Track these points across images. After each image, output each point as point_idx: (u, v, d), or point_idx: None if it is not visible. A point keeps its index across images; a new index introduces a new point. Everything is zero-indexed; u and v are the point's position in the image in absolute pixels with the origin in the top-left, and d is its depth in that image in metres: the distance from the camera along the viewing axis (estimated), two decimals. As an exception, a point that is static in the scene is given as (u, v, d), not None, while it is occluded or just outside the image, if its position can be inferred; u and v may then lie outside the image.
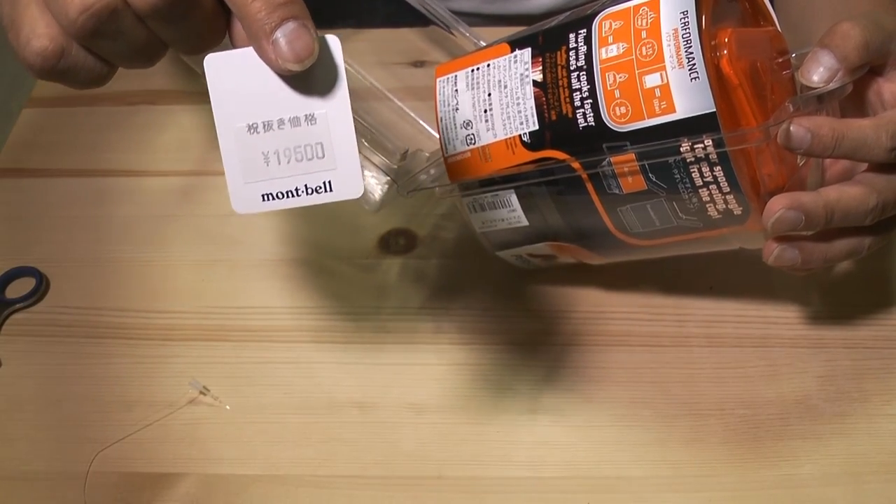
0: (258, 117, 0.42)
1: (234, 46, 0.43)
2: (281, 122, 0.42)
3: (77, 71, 0.42)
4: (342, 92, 0.42)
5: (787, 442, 0.61)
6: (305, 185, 0.43)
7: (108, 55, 0.43)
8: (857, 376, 0.64)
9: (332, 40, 0.42)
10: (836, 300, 0.69)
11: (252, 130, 0.42)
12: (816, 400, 0.63)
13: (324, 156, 0.42)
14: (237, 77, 0.42)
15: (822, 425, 0.62)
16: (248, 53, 0.42)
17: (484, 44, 0.70)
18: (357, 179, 0.42)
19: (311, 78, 0.42)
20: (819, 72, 0.54)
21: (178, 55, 0.82)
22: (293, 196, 0.43)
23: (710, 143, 0.51)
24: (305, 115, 0.42)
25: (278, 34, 0.40)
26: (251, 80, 0.42)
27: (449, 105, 0.61)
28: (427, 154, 0.66)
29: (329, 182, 0.43)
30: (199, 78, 0.46)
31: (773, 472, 0.60)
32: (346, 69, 0.42)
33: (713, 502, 0.59)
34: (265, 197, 0.43)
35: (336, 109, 0.42)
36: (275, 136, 0.42)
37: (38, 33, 0.41)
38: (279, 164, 0.42)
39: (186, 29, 0.42)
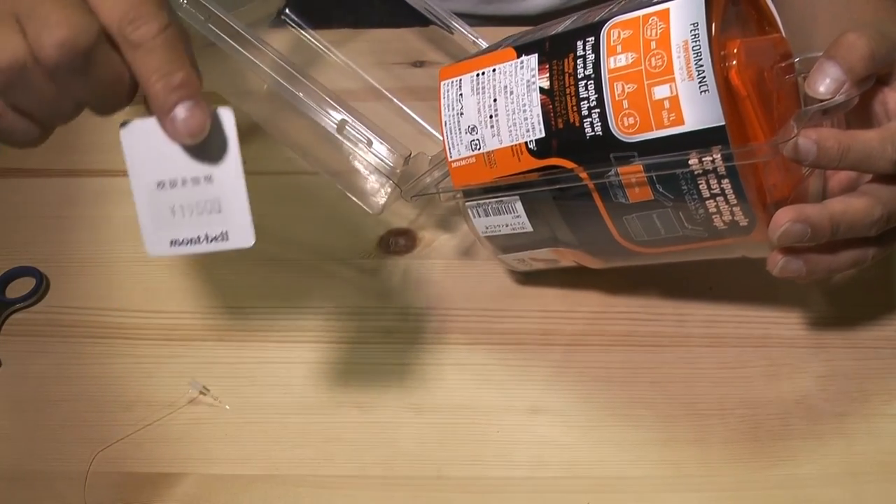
0: (165, 176, 0.48)
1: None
2: (184, 180, 0.48)
3: (10, 132, 0.47)
4: (233, 157, 0.48)
5: (787, 442, 0.61)
6: (206, 235, 0.49)
7: (28, 111, 0.47)
8: (857, 376, 0.64)
9: (225, 113, 0.47)
10: (837, 300, 0.69)
11: (161, 187, 0.48)
12: (816, 400, 0.63)
13: (220, 210, 0.48)
14: (148, 141, 0.47)
15: (822, 425, 0.62)
16: (156, 122, 0.47)
17: (484, 44, 0.70)
18: (248, 231, 0.49)
19: (208, 145, 0.47)
20: (825, 83, 0.54)
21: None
22: (196, 243, 0.49)
23: (719, 155, 0.51)
24: (204, 176, 0.48)
25: (176, 112, 0.46)
26: (159, 145, 0.47)
27: (453, 109, 0.60)
28: (430, 156, 0.66)
29: (226, 232, 0.49)
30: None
31: (773, 472, 0.60)
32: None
33: (713, 502, 0.59)
34: (173, 243, 0.49)
35: (228, 172, 0.48)
36: (179, 192, 0.48)
37: None
38: (184, 216, 0.48)
39: (92, 89, 0.46)
